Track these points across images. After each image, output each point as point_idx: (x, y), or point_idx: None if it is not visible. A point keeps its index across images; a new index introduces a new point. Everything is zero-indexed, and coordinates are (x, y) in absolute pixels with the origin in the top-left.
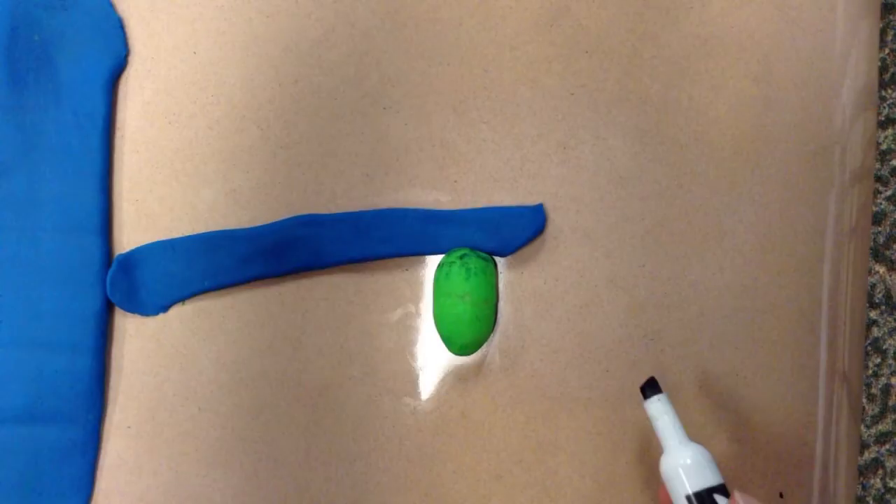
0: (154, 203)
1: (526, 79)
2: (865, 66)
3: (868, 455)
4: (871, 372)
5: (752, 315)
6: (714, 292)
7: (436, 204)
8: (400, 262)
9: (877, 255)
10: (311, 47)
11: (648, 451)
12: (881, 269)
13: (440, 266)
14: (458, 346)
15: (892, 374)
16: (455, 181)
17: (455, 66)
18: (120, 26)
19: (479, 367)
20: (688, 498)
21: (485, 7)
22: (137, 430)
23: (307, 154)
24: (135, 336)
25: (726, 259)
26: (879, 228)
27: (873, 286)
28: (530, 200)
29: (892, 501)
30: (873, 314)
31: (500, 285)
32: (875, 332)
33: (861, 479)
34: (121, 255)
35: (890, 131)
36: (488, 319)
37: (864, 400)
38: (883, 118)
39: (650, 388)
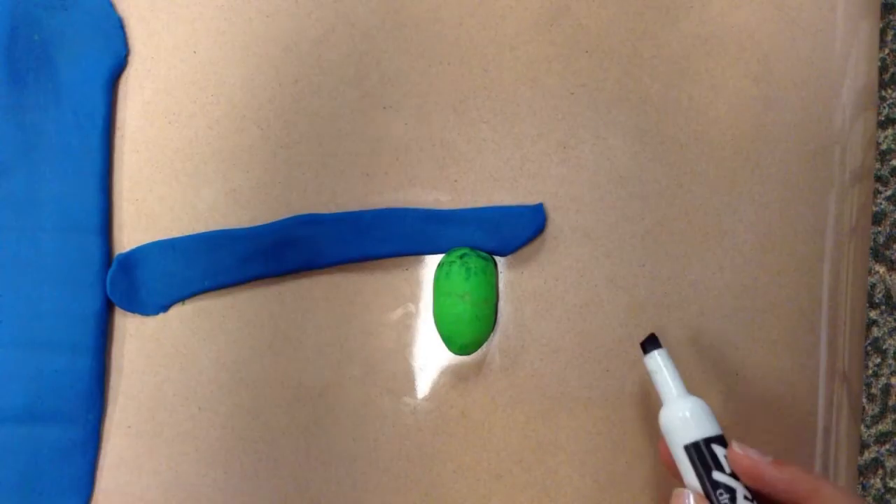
0: (154, 203)
1: (526, 78)
2: (865, 66)
3: (868, 455)
4: (871, 372)
5: (752, 315)
6: (714, 292)
7: (436, 203)
8: (400, 261)
9: (877, 255)
10: (311, 47)
11: (648, 450)
12: (881, 269)
13: (440, 266)
14: (458, 345)
15: (892, 374)
16: (455, 181)
17: (455, 66)
18: (120, 26)
19: (479, 367)
20: (686, 448)
21: (485, 7)
22: (137, 429)
23: (307, 154)
24: (135, 336)
25: (726, 259)
26: (879, 228)
27: (873, 286)
28: (530, 200)
29: (893, 501)
30: (873, 314)
31: (500, 285)
32: (875, 332)
33: (861, 479)
34: (121, 254)
35: (890, 131)
36: (488, 319)
37: (864, 400)
38: (883, 118)
39: (650, 343)
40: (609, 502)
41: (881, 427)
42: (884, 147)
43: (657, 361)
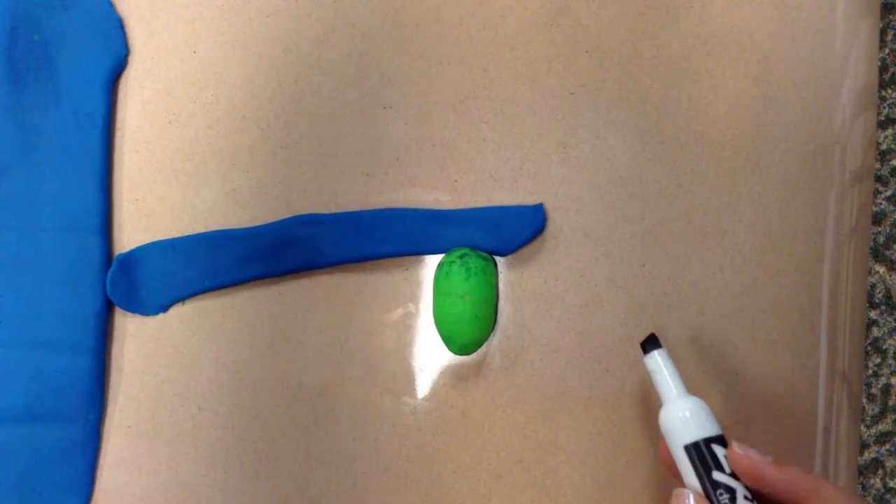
0: (154, 203)
1: (526, 78)
2: (865, 66)
3: (868, 455)
4: (871, 372)
5: (752, 315)
6: (714, 292)
7: (436, 203)
8: (400, 261)
9: (877, 255)
10: (311, 47)
11: (648, 450)
12: (881, 269)
13: (440, 266)
14: (458, 345)
15: (892, 374)
16: (455, 181)
17: (455, 66)
18: (120, 26)
19: (479, 367)
20: (686, 448)
21: (485, 7)
22: (137, 429)
23: (307, 154)
24: (135, 336)
25: (726, 259)
26: (879, 228)
27: (873, 286)
28: (530, 200)
29: (893, 501)
30: (873, 314)
31: (500, 285)
32: (875, 332)
33: (861, 479)
34: (121, 254)
35: (890, 131)
36: (488, 319)
37: (864, 400)
38: (883, 118)
39: (650, 343)
40: (609, 502)
41: (881, 427)
42: (884, 147)
43: (657, 361)
